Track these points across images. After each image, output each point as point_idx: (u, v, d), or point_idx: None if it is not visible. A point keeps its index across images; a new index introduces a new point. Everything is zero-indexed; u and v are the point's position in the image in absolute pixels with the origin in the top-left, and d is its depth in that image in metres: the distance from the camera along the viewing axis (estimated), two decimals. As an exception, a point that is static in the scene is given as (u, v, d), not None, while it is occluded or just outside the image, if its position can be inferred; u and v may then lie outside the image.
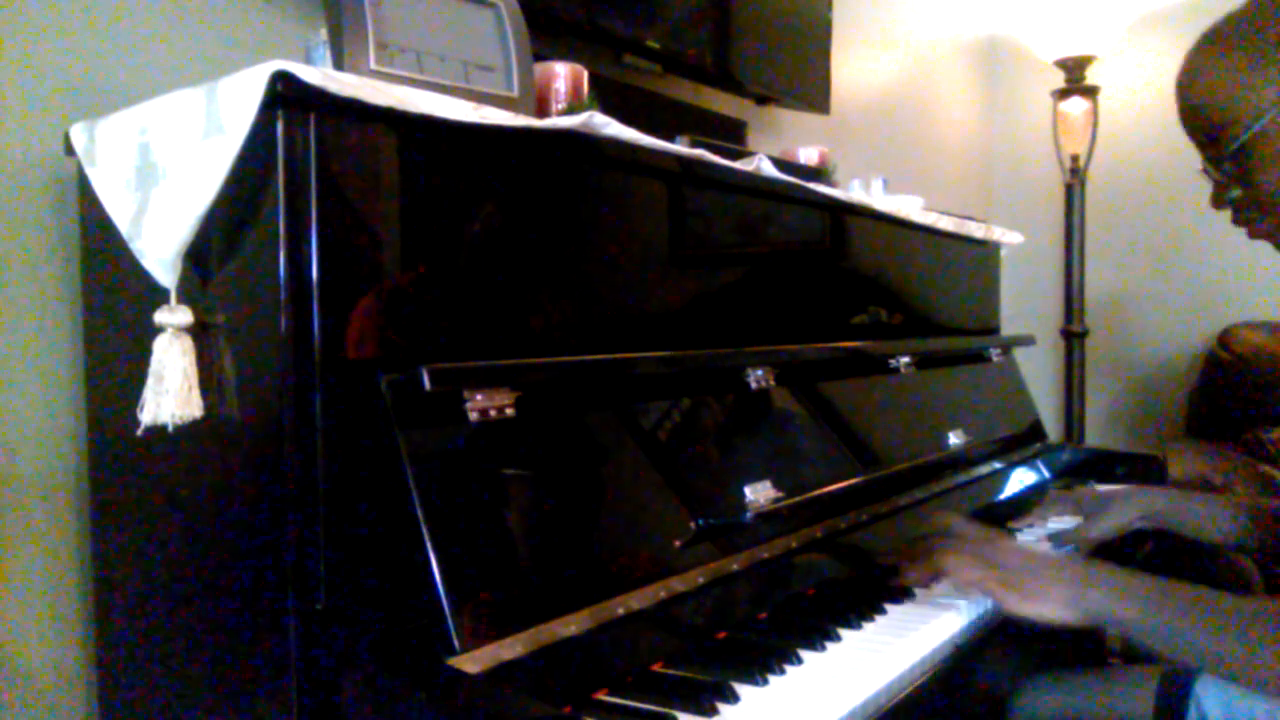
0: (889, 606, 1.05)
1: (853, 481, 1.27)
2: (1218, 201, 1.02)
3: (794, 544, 1.11)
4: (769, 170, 1.28)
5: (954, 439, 1.57)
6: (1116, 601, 0.91)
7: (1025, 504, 1.56)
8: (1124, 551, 1.38)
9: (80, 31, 1.10)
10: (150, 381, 0.85)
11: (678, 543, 0.98)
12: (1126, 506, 1.34)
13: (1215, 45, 0.98)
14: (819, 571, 1.13)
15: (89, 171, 0.94)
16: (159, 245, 0.85)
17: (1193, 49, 1.00)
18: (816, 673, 0.89)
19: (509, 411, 0.88)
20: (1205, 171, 1.02)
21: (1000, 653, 1.08)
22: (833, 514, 1.20)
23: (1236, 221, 1.02)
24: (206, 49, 1.21)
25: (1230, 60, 0.96)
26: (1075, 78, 2.99)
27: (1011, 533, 1.42)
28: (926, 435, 1.53)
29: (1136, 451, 1.93)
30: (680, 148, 1.12)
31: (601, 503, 0.95)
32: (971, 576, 0.99)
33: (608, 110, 1.02)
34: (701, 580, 0.97)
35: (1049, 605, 0.93)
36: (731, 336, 1.25)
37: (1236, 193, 0.99)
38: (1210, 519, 1.29)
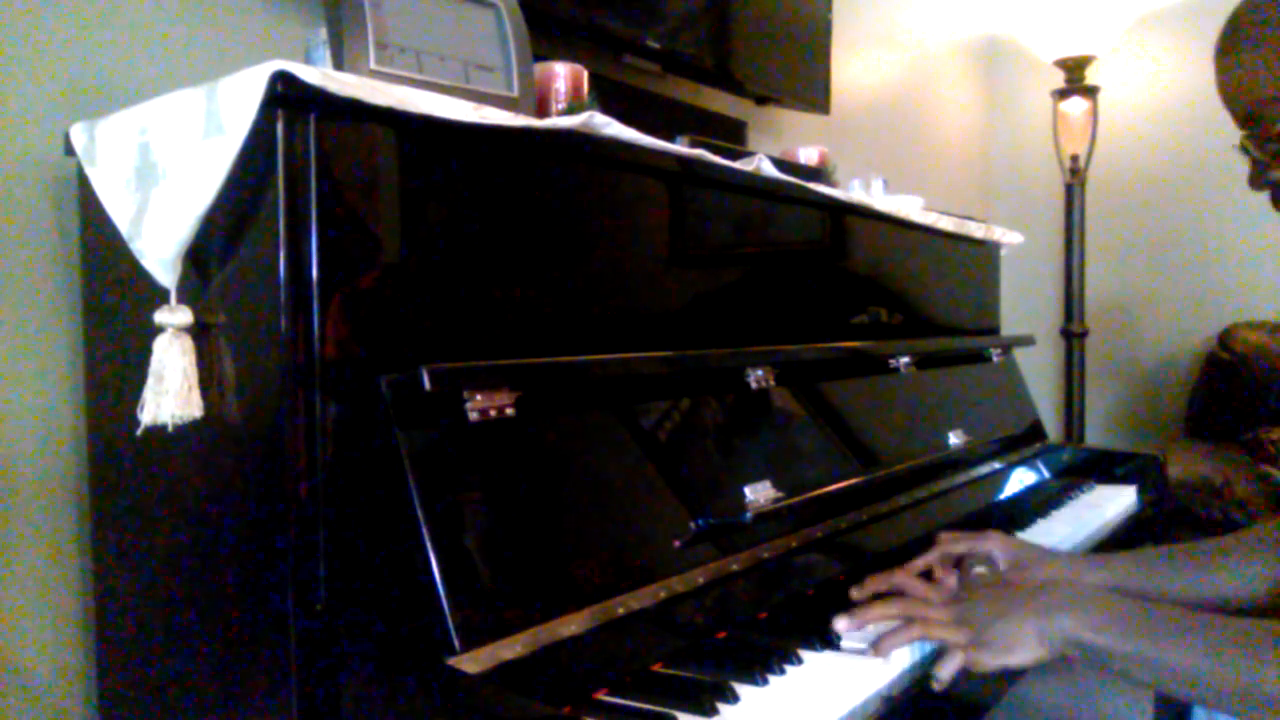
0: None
1: (853, 481, 1.26)
2: (1256, 182, 0.97)
3: (794, 544, 1.11)
4: (769, 170, 1.28)
5: (954, 439, 1.57)
6: (1089, 629, 0.82)
7: (1025, 504, 1.56)
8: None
9: (80, 31, 1.10)
10: (150, 381, 0.85)
11: (678, 543, 0.98)
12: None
13: (1258, 20, 0.93)
14: (819, 571, 1.13)
15: (89, 171, 0.94)
16: (159, 245, 0.85)
17: (1231, 21, 0.95)
18: (816, 672, 0.89)
19: (509, 411, 0.88)
20: (1243, 149, 0.96)
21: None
22: (833, 514, 1.20)
23: (1276, 202, 0.96)
24: (206, 49, 1.21)
25: (1275, 37, 0.91)
26: (1075, 78, 3.00)
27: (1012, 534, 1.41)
28: (926, 435, 1.53)
29: (1136, 451, 1.93)
30: (680, 148, 1.12)
31: (601, 503, 0.95)
32: (943, 635, 0.90)
33: (608, 110, 1.02)
34: (701, 580, 0.97)
35: (1020, 650, 0.85)
36: (731, 336, 1.25)
37: (1278, 174, 0.94)
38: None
